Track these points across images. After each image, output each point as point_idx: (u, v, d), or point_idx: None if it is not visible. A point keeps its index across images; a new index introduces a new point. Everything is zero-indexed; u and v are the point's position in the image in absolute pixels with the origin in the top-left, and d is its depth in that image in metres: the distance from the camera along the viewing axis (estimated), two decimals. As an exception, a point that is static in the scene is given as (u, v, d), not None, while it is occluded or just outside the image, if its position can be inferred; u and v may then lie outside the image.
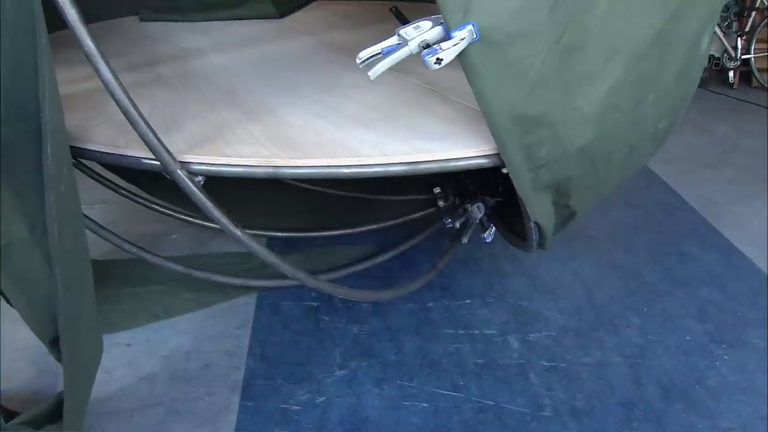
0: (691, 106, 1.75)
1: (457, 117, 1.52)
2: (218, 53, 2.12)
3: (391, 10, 2.08)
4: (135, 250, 1.88)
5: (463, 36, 1.14)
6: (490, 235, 2.04)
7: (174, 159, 1.31)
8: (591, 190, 1.67)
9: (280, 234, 2.45)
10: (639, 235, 2.63)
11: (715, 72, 4.45)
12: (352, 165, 1.33)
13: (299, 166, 1.32)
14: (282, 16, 2.68)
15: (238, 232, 1.42)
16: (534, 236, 1.70)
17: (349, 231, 2.49)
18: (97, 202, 2.76)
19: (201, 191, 1.35)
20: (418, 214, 2.55)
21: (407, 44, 1.19)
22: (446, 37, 1.17)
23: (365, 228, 2.51)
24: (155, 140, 1.28)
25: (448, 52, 1.12)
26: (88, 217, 1.80)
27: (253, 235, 2.36)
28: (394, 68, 1.85)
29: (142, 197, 2.36)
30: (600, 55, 1.37)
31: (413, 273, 2.34)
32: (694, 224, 2.73)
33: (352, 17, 2.69)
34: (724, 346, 1.95)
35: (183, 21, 2.61)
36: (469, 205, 2.03)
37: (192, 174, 1.34)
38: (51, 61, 1.20)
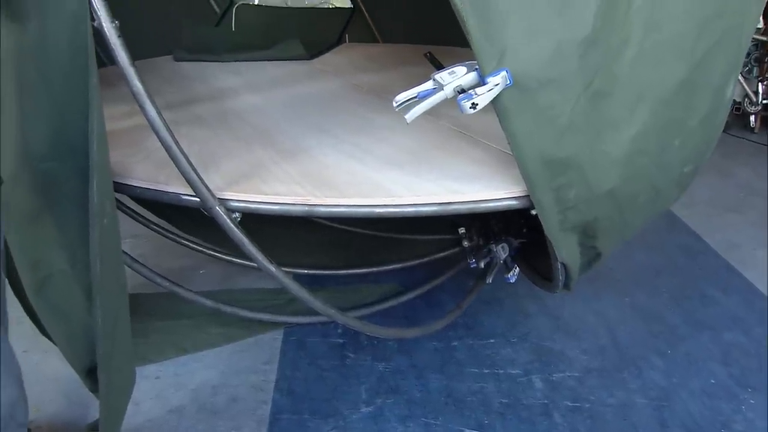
0: (713, 150, 1.78)
1: (487, 159, 1.56)
2: (251, 93, 2.18)
3: (425, 55, 2.13)
4: (167, 284, 1.92)
5: (497, 82, 1.18)
6: (513, 275, 2.06)
7: (213, 196, 1.36)
8: (617, 231, 1.69)
9: (306, 271, 2.49)
10: (661, 277, 2.64)
11: (736, 116, 4.47)
12: (386, 205, 1.36)
13: (334, 205, 1.36)
14: (312, 57, 2.76)
15: (273, 268, 1.46)
16: (560, 277, 1.72)
17: (374, 269, 2.52)
18: (127, 236, 2.81)
19: (238, 227, 1.39)
20: (442, 254, 2.57)
21: (443, 89, 1.23)
22: (480, 82, 1.21)
23: (390, 267, 2.54)
24: (196, 177, 1.32)
25: (483, 97, 1.17)
26: (126, 254, 1.85)
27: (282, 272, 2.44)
28: (426, 112, 1.92)
29: (171, 232, 2.41)
30: (627, 101, 1.40)
31: (437, 312, 2.36)
32: (716, 267, 2.73)
33: (379, 60, 2.76)
34: (749, 390, 1.95)
35: (216, 61, 2.68)
36: (493, 245, 2.05)
37: (230, 211, 1.38)
38: (100, 99, 1.25)
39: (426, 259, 2.58)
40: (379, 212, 1.37)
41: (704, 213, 3.20)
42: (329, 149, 1.64)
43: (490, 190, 1.41)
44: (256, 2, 3.29)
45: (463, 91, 1.23)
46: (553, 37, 1.24)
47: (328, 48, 2.94)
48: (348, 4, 3.21)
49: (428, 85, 1.27)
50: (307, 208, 1.36)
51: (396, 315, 2.36)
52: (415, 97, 1.27)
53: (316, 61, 2.73)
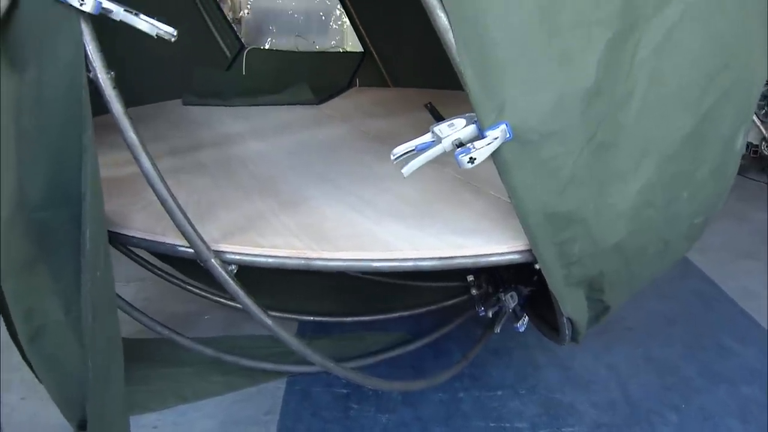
0: (729, 193, 1.73)
1: (491, 211, 1.53)
2: (257, 140, 2.17)
3: (426, 106, 2.12)
4: (166, 332, 1.89)
5: (496, 135, 1.15)
6: (523, 325, 2.01)
7: (208, 248, 1.33)
8: (625, 284, 1.64)
9: (311, 318, 2.45)
10: (675, 326, 2.57)
11: (753, 159, 4.42)
12: (384, 259, 1.33)
13: (330, 259, 1.33)
14: (320, 102, 2.76)
15: (269, 321, 1.43)
16: (567, 331, 1.67)
17: (380, 317, 2.48)
18: (133, 279, 2.80)
19: (233, 280, 1.37)
20: (450, 302, 2.53)
21: (441, 142, 1.21)
22: (480, 135, 1.19)
23: (397, 314, 2.49)
24: (191, 230, 1.30)
25: (482, 151, 1.14)
26: (120, 297, 1.82)
27: (285, 319, 2.41)
28: (435, 161, 1.90)
29: (176, 277, 2.39)
30: (632, 153, 1.37)
31: (444, 361, 2.31)
32: (732, 316, 2.67)
33: (388, 105, 2.76)
34: (767, 449, 1.88)
35: (224, 106, 2.69)
36: (502, 293, 2.01)
37: (225, 263, 1.36)
38: (94, 149, 1.24)
39: (434, 307, 2.53)
40: (376, 266, 1.34)
41: (719, 258, 3.13)
42: (330, 200, 1.61)
43: (493, 244, 1.38)
44: (267, 47, 3.32)
45: (461, 144, 1.20)
46: (555, 89, 1.21)
47: (338, 92, 2.94)
48: (359, 48, 3.22)
49: (427, 137, 1.25)
50: (303, 261, 1.33)
51: (402, 364, 2.31)
52: (413, 150, 1.24)
53: (325, 106, 2.73)
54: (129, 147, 1.22)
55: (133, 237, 1.44)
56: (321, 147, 2.11)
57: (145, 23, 1.22)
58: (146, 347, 2.31)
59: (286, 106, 2.69)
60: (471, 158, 1.14)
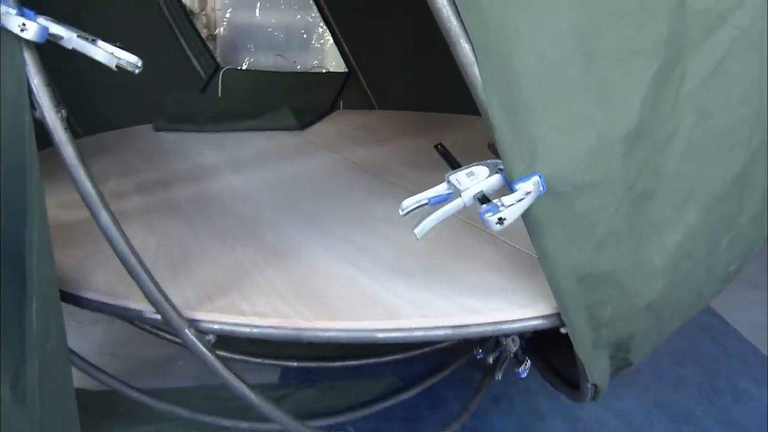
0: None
1: (507, 264, 1.34)
2: (235, 173, 1.97)
3: (436, 147, 1.92)
4: (136, 394, 1.67)
5: (528, 189, 0.96)
6: (525, 370, 1.82)
7: (181, 316, 1.13)
8: (653, 342, 1.47)
9: (294, 364, 2.24)
10: (686, 367, 2.40)
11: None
12: (389, 329, 1.14)
13: (326, 329, 1.13)
14: (303, 127, 2.56)
15: (254, 398, 1.22)
16: (589, 394, 1.48)
17: (370, 361, 2.27)
18: (101, 320, 2.56)
19: (211, 352, 1.16)
20: (445, 344, 2.33)
21: (460, 195, 1.01)
22: (507, 188, 0.99)
23: (387, 358, 2.29)
24: (160, 297, 1.09)
25: (512, 209, 0.95)
26: (84, 360, 1.61)
27: (267, 365, 2.20)
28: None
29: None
30: (674, 200, 1.19)
31: (440, 411, 2.11)
32: (743, 354, 2.51)
33: (376, 130, 2.57)
34: None
35: (199, 131, 2.48)
36: (503, 336, 1.82)
37: (201, 332, 1.15)
38: (44, 205, 1.03)
39: (428, 349, 2.33)
40: (380, 337, 1.14)
41: (726, 290, 2.97)
42: (321, 249, 1.41)
43: (514, 307, 1.19)
44: (245, 66, 3.11)
45: (484, 197, 1.01)
46: (593, 131, 1.03)
47: (321, 116, 2.75)
48: (342, 68, 3.04)
49: (441, 188, 1.05)
50: (293, 332, 1.13)
51: (395, 417, 2.11)
52: (426, 203, 1.05)
53: (307, 132, 2.53)
54: (85, 200, 1.01)
55: (91, 300, 1.23)
56: (306, 181, 1.91)
57: (102, 53, 1.02)
58: (119, 401, 2.09)
59: (266, 132, 2.48)
60: (500, 219, 0.95)
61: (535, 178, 0.97)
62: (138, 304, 1.19)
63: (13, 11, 0.95)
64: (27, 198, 1.01)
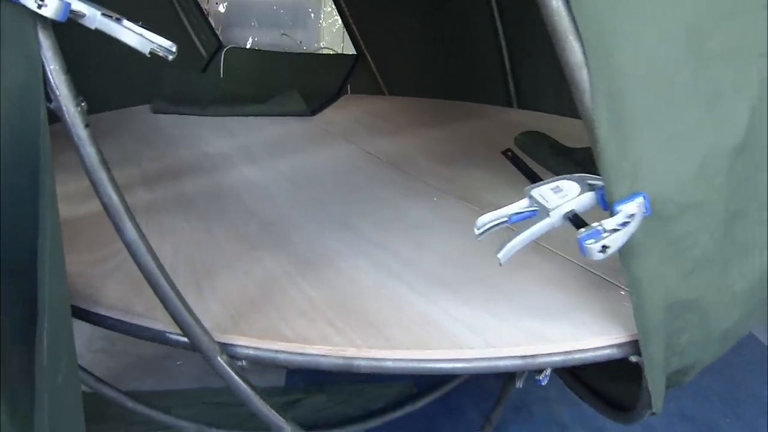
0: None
1: (567, 281, 1.21)
2: (249, 163, 1.81)
3: (506, 154, 1.75)
4: (131, 404, 1.54)
5: (631, 211, 0.83)
6: (546, 376, 1.70)
7: (213, 341, 0.98)
8: (706, 365, 1.35)
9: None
10: (707, 377, 2.30)
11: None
12: (451, 359, 1.00)
13: (380, 359, 0.99)
14: (313, 113, 2.40)
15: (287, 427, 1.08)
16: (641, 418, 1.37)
17: (382, 364, 2.14)
18: (90, 314, 2.40)
19: (245, 380, 1.02)
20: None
21: (548, 214, 0.87)
22: (603, 208, 0.86)
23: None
24: (190, 319, 0.95)
25: (616, 237, 0.81)
26: (87, 371, 1.48)
27: (273, 366, 2.07)
28: (471, 202, 1.56)
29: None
30: (764, 219, 1.06)
31: (458, 421, 2.00)
32: (763, 360, 2.43)
33: (391, 118, 2.42)
34: None
35: (201, 115, 2.31)
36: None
37: (234, 358, 1.01)
38: (56, 204, 0.87)
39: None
40: (444, 368, 1.00)
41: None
42: (358, 258, 1.27)
43: (584, 334, 1.06)
44: (248, 46, 2.93)
45: (576, 218, 0.87)
46: (701, 145, 0.89)
47: (329, 101, 2.59)
48: (351, 51, 2.87)
49: (522, 204, 0.92)
50: (344, 361, 0.99)
51: (409, 425, 1.99)
52: (505, 221, 0.91)
53: (318, 119, 2.37)
54: (108, 213, 0.86)
55: (106, 317, 1.08)
56: (328, 176, 1.76)
57: (133, 36, 0.86)
58: (107, 403, 1.94)
59: (272, 117, 2.32)
60: (604, 246, 0.81)
61: (640, 199, 0.84)
62: (160, 323, 1.04)
63: (24, -17, 0.79)
64: (40, 204, 0.86)
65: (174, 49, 0.89)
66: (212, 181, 1.67)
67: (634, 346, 1.07)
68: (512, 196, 1.62)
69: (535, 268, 1.27)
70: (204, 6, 2.74)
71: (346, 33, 2.79)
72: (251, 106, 2.33)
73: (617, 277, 1.22)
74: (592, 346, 1.05)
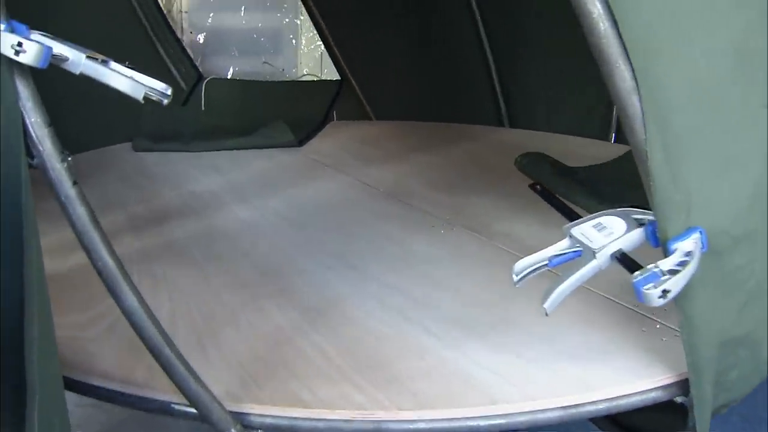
0: None
1: (596, 314, 1.13)
2: (239, 202, 1.72)
3: (535, 188, 1.63)
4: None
5: (688, 249, 0.75)
6: None
7: (225, 411, 0.88)
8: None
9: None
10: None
11: None
12: (489, 416, 0.91)
13: (412, 421, 0.90)
14: (300, 143, 2.31)
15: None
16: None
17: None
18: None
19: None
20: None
21: (594, 255, 0.79)
22: (651, 245, 0.78)
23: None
24: (199, 389, 0.85)
25: (677, 280, 0.73)
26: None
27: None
28: (479, 233, 1.48)
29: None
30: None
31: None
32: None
33: (381, 145, 2.34)
34: None
35: (184, 151, 2.21)
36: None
37: (249, 428, 0.91)
38: (43, 274, 0.78)
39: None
40: (480, 427, 0.91)
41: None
42: (369, 302, 1.18)
43: (627, 378, 0.97)
44: (230, 75, 2.84)
45: (625, 257, 0.79)
46: (752, 171, 0.82)
47: (316, 129, 2.50)
48: (334, 76, 2.79)
49: (563, 245, 0.84)
50: (373, 425, 0.89)
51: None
52: (546, 265, 0.82)
53: (307, 149, 2.29)
54: (104, 278, 0.76)
55: (102, 388, 0.98)
56: (324, 211, 1.67)
57: (122, 79, 0.78)
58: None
59: (260, 150, 2.23)
60: (664, 291, 0.73)
61: (696, 235, 0.76)
62: (164, 393, 0.94)
63: (1, 26, 0.70)
64: (24, 273, 0.76)
65: (169, 92, 0.80)
66: (203, 223, 1.58)
67: (681, 386, 0.99)
68: (520, 225, 1.56)
69: (561, 304, 1.18)
70: (181, 36, 2.64)
71: (328, 58, 2.72)
72: (236, 139, 2.24)
73: (650, 309, 1.14)
74: (637, 390, 0.96)
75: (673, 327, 1.09)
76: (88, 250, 0.77)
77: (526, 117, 2.64)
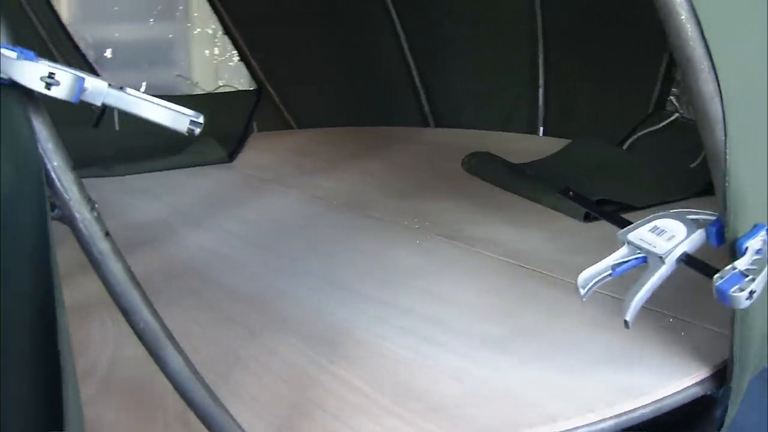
0: None
1: (609, 317, 1.11)
2: (192, 227, 1.60)
3: (568, 194, 1.52)
4: None
5: (758, 246, 0.74)
6: None
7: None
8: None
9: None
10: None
11: None
12: (550, 435, 0.87)
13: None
14: (231, 158, 2.20)
15: None
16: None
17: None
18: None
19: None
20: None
21: (662, 260, 0.77)
22: (713, 244, 0.77)
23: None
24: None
25: (761, 279, 0.72)
26: None
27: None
28: (455, 239, 1.45)
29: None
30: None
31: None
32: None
33: (316, 153, 2.29)
34: None
35: (107, 176, 2.05)
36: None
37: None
38: (73, 364, 0.67)
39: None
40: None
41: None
42: (376, 324, 1.13)
43: (666, 378, 0.96)
44: (142, 91, 2.65)
45: (690, 258, 0.77)
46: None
47: (241, 142, 2.39)
48: (251, 85, 2.68)
49: (622, 253, 0.81)
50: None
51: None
52: (610, 275, 0.80)
53: (240, 164, 2.18)
54: (145, 341, 0.67)
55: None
56: (286, 230, 1.58)
57: (157, 108, 0.69)
58: None
59: (190, 169, 2.11)
60: (751, 292, 0.71)
61: (763, 232, 0.75)
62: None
63: (15, 54, 0.60)
64: (61, 359, 0.65)
65: (201, 119, 0.71)
66: (161, 256, 1.45)
67: (714, 379, 0.99)
68: (492, 228, 1.54)
69: (569, 308, 1.16)
70: (88, 53, 2.45)
71: (244, 67, 2.60)
72: (166, 158, 2.10)
73: (657, 303, 1.14)
74: (678, 389, 0.96)
75: (685, 319, 1.10)
76: (126, 311, 0.67)
77: (452, 116, 2.64)
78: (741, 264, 0.73)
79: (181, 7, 2.68)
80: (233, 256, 1.43)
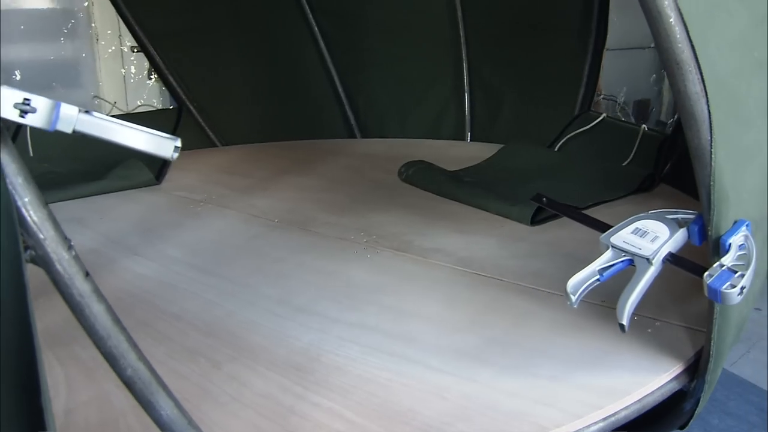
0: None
1: (574, 319, 1.13)
2: (130, 255, 1.52)
3: (541, 201, 1.46)
4: None
5: (740, 242, 0.75)
6: None
7: None
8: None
9: None
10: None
11: None
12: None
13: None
14: (159, 180, 2.12)
15: None
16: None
17: None
18: None
19: None
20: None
21: (650, 261, 0.77)
22: (699, 243, 0.78)
23: None
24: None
25: (749, 274, 0.73)
26: None
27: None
28: (406, 251, 1.43)
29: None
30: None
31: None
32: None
33: (245, 171, 2.23)
34: None
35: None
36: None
37: None
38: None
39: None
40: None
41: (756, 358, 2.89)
42: (346, 346, 1.09)
43: (642, 376, 0.97)
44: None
45: (674, 257, 0.78)
46: (762, 157, 0.85)
47: (166, 163, 2.30)
48: (170, 104, 2.58)
49: (606, 257, 0.81)
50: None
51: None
52: (598, 279, 0.79)
53: (169, 185, 2.10)
54: (135, 390, 0.63)
55: None
56: (230, 253, 1.52)
57: (134, 133, 0.64)
58: None
59: (119, 194, 2.01)
60: (742, 288, 0.72)
61: (744, 228, 0.76)
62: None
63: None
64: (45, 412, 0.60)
65: (179, 143, 0.66)
66: (104, 288, 1.35)
67: (687, 373, 1.01)
68: (440, 238, 1.53)
69: (534, 313, 1.17)
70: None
71: (162, 86, 2.50)
72: (92, 183, 1.99)
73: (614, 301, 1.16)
74: (658, 386, 0.97)
75: (646, 315, 1.12)
76: (112, 357, 0.62)
77: (378, 126, 2.64)
78: (727, 260, 0.74)
79: (93, 24, 2.56)
80: (181, 284, 1.36)
